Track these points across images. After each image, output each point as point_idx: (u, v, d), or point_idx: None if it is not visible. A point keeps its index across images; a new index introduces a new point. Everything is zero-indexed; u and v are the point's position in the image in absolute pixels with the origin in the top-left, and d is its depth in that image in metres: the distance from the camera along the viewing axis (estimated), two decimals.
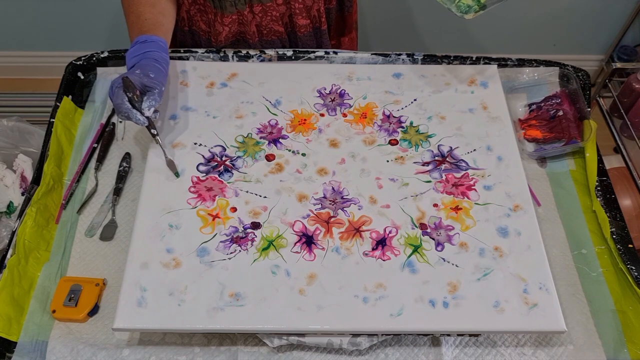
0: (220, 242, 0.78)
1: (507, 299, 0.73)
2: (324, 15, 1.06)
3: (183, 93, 0.93)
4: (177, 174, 0.83)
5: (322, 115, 0.92)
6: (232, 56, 1.02)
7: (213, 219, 0.80)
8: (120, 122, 0.97)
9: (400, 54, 1.02)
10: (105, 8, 1.81)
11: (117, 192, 0.88)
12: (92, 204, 0.88)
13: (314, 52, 1.02)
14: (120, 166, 0.91)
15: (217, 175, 0.84)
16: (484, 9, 0.82)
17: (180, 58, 1.01)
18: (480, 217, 0.81)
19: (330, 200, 0.82)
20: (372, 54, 1.02)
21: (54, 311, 0.76)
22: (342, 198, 0.83)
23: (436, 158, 0.87)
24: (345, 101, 0.94)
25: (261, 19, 1.02)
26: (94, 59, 1.02)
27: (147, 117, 0.81)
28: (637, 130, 1.24)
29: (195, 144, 0.87)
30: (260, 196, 0.82)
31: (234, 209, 0.81)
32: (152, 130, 0.84)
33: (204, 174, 0.84)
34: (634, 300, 0.79)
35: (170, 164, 0.84)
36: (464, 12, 0.82)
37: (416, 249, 0.78)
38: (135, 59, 0.84)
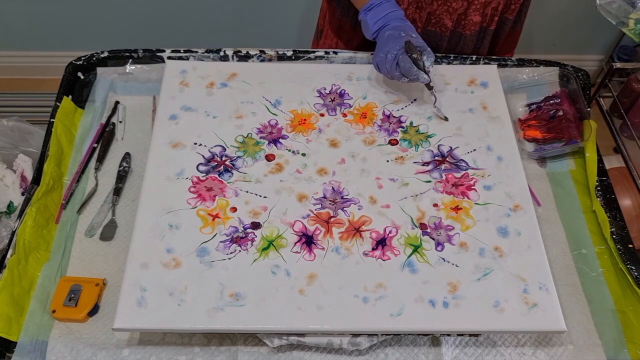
0: (220, 242, 0.78)
1: (507, 299, 0.73)
2: (497, 17, 1.02)
3: (183, 93, 0.93)
4: (446, 118, 0.91)
5: (322, 115, 0.92)
6: (232, 56, 1.02)
7: (213, 219, 0.80)
8: (120, 122, 0.97)
9: None
10: (105, 8, 1.81)
11: (117, 192, 0.88)
12: (92, 204, 0.88)
13: (314, 52, 1.02)
14: (120, 166, 0.91)
15: (217, 175, 0.84)
16: None
17: (180, 58, 1.01)
18: (480, 217, 0.81)
19: (330, 200, 0.82)
20: (372, 54, 1.02)
21: (54, 311, 0.76)
22: (342, 198, 0.83)
23: (436, 158, 0.87)
24: (345, 101, 0.94)
25: (437, 7, 1.00)
26: (94, 59, 1.02)
27: (428, 73, 0.88)
28: (637, 130, 1.24)
29: (195, 144, 0.87)
30: (260, 196, 0.82)
31: (234, 209, 0.81)
32: (431, 84, 0.90)
33: (204, 174, 0.84)
34: (634, 300, 0.79)
35: (439, 111, 0.92)
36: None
37: (416, 249, 0.78)
38: (380, 22, 0.91)
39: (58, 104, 0.95)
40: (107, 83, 1.01)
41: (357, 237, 0.79)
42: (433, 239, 0.79)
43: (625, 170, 1.27)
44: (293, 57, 1.02)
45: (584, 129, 0.93)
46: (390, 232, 0.79)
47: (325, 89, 0.96)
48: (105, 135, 0.95)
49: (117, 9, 1.81)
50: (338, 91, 0.95)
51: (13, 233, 0.81)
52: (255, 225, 0.79)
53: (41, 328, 0.76)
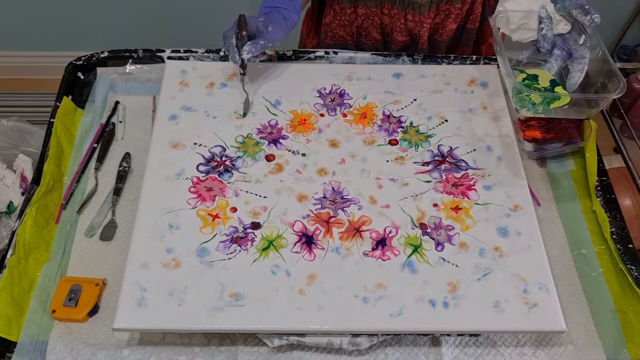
0: (220, 242, 0.78)
1: (507, 299, 0.73)
2: (426, 34, 1.03)
3: (183, 93, 0.93)
4: (244, 114, 0.91)
5: (322, 115, 0.92)
6: None
7: (213, 219, 0.80)
8: (120, 122, 0.97)
9: (400, 54, 1.02)
10: (105, 8, 1.81)
11: (117, 192, 0.88)
12: (92, 204, 0.88)
13: (314, 52, 1.02)
14: (120, 166, 0.91)
15: (217, 176, 0.84)
16: (549, 114, 0.82)
17: (180, 58, 1.01)
18: (480, 217, 0.81)
19: (330, 200, 0.82)
20: (372, 54, 1.02)
21: (54, 311, 0.76)
22: (342, 198, 0.83)
23: (436, 158, 0.87)
24: (345, 101, 0.94)
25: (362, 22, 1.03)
26: (94, 59, 1.02)
27: (242, 60, 0.87)
28: (637, 130, 1.24)
29: (195, 144, 0.88)
30: (260, 196, 0.82)
31: (234, 209, 0.81)
32: (242, 71, 0.90)
33: (204, 174, 0.84)
34: (634, 300, 0.79)
35: (246, 103, 0.91)
36: (523, 107, 0.81)
37: (416, 249, 0.78)
38: (267, 10, 0.91)
39: (58, 104, 0.95)
40: (107, 83, 1.01)
41: (357, 237, 0.79)
42: (433, 239, 0.79)
43: (625, 170, 1.27)
44: (293, 57, 1.02)
45: (584, 129, 0.93)
46: (390, 232, 0.79)
47: (325, 89, 0.96)
48: (105, 135, 0.95)
49: (117, 9, 1.81)
50: (338, 91, 0.95)
51: (13, 233, 0.81)
52: (255, 225, 0.79)
53: (41, 328, 0.76)
